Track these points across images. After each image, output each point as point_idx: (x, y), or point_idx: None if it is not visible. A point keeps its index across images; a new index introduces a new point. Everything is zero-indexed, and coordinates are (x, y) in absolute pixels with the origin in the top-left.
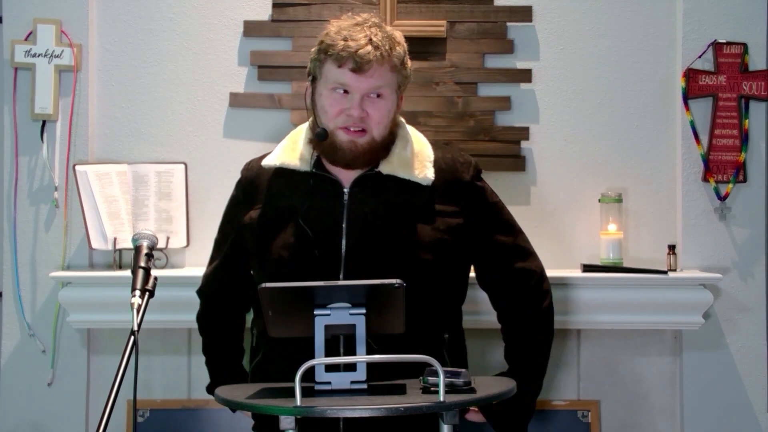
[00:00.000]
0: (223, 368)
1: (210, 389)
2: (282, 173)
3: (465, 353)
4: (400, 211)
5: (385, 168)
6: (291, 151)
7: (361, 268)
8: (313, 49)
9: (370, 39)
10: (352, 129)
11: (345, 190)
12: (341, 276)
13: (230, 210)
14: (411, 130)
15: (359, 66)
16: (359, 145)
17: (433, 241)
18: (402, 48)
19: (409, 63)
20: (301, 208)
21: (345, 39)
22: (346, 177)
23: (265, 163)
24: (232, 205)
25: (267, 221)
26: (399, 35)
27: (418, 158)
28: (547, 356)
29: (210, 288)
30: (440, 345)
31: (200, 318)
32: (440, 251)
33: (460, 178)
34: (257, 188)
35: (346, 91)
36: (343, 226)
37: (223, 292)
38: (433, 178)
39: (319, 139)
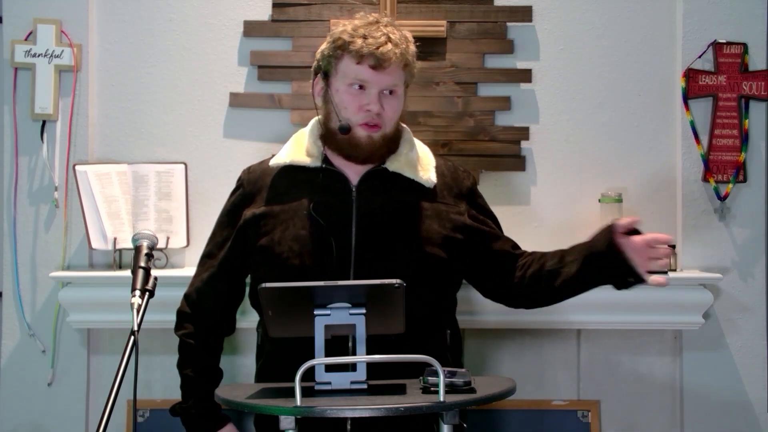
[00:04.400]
0: (205, 392)
1: (178, 411)
2: (287, 172)
3: (462, 352)
4: (408, 208)
5: (392, 165)
6: (298, 149)
7: (371, 263)
8: (324, 46)
9: (389, 37)
10: (369, 124)
11: (353, 187)
12: (351, 271)
13: (225, 216)
14: (414, 138)
15: (379, 63)
16: (375, 140)
17: (441, 238)
18: (413, 47)
19: (416, 62)
20: (309, 202)
21: (364, 37)
22: (354, 173)
23: (273, 162)
24: (229, 210)
25: (272, 215)
26: (410, 34)
27: (422, 161)
28: None
29: (202, 300)
30: (443, 341)
31: (187, 335)
32: (447, 247)
33: (461, 183)
34: (260, 188)
35: (361, 87)
36: (353, 222)
37: (215, 307)
38: (435, 181)
39: (343, 132)
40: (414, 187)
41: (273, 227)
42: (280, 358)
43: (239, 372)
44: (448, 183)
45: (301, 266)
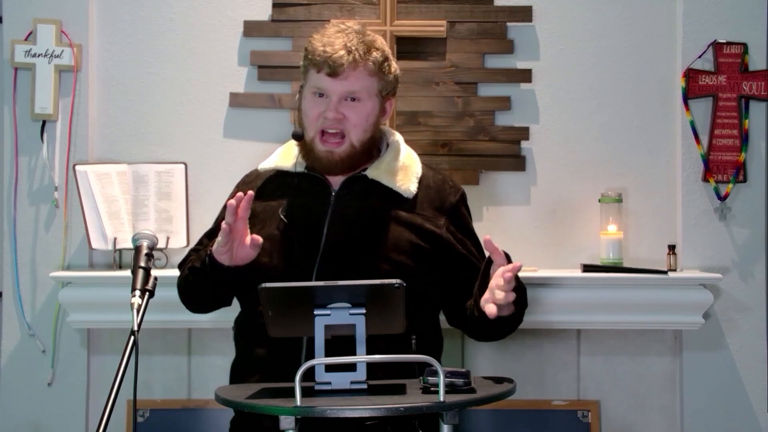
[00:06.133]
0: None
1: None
2: (278, 176)
3: (438, 360)
4: (383, 216)
5: (372, 172)
6: (286, 155)
7: (335, 266)
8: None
9: (345, 44)
10: (330, 131)
11: (332, 192)
12: (315, 271)
13: (219, 212)
14: (405, 146)
15: (333, 70)
16: (336, 154)
17: (409, 245)
18: (380, 53)
19: (392, 68)
20: (286, 204)
21: (324, 45)
22: (335, 179)
23: (261, 167)
24: (223, 207)
25: (254, 215)
26: (380, 41)
27: (405, 171)
28: None
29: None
30: (406, 349)
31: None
32: (416, 256)
33: (445, 198)
34: (250, 189)
35: (322, 95)
36: (325, 224)
37: None
38: (414, 192)
39: (296, 138)
40: (394, 195)
41: (252, 225)
42: (248, 358)
43: None
44: (431, 196)
45: (269, 264)
